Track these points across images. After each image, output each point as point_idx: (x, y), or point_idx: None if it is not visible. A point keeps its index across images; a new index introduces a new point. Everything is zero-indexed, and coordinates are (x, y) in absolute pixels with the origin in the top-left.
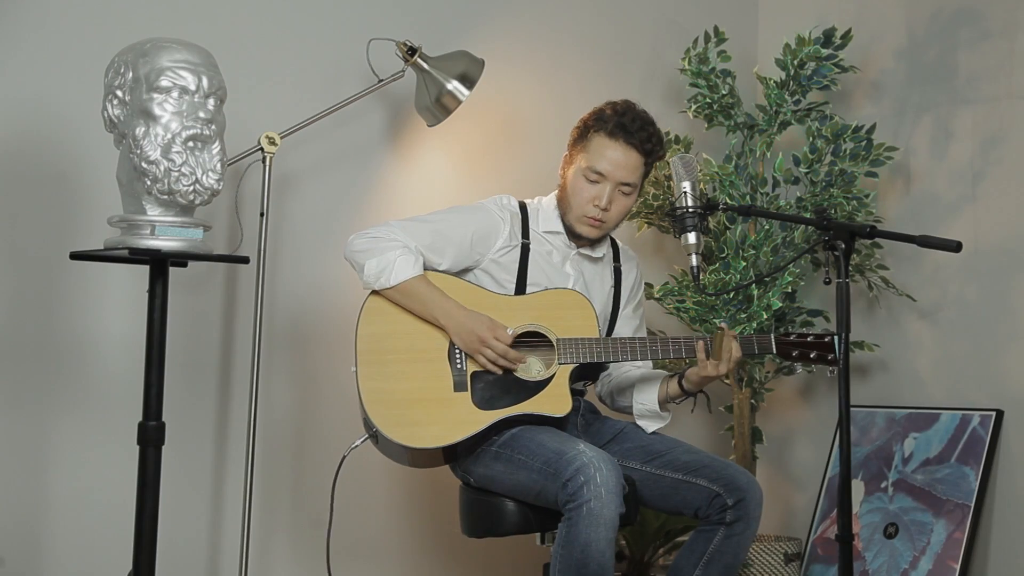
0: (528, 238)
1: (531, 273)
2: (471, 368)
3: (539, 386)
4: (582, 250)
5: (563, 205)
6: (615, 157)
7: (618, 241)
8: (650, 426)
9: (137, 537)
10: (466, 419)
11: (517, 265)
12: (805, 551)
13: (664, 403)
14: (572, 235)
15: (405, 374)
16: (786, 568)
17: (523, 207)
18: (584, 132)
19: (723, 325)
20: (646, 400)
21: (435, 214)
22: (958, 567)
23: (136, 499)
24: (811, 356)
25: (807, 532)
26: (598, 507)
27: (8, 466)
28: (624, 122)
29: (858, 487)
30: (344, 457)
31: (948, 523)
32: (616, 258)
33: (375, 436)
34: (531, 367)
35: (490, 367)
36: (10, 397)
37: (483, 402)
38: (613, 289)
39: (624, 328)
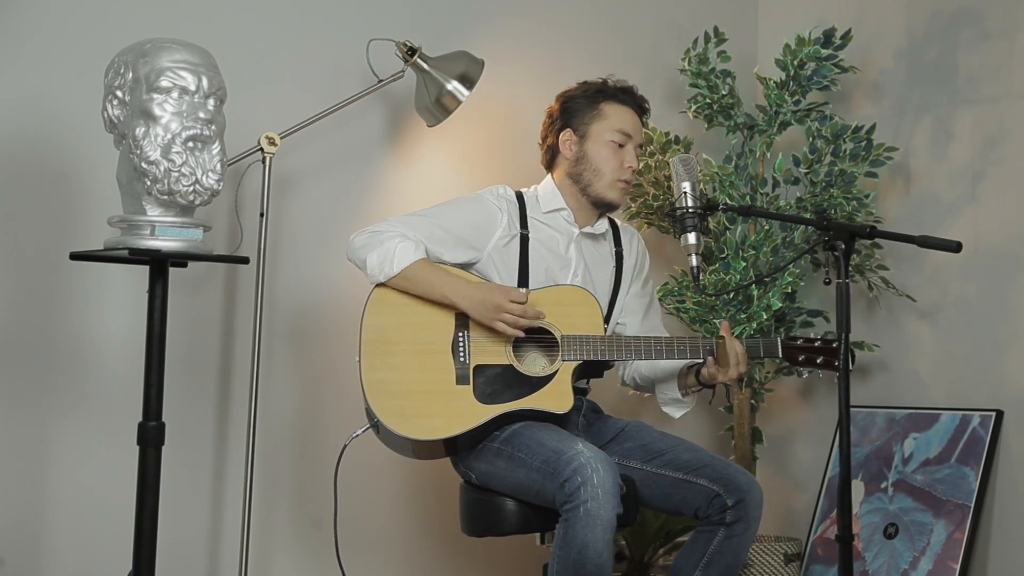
0: (527, 228)
1: (532, 263)
2: (474, 362)
3: (541, 382)
4: (584, 229)
5: (585, 178)
6: (632, 120)
7: (617, 220)
8: (676, 412)
9: (137, 537)
10: (467, 412)
11: (518, 256)
12: (805, 551)
13: (684, 391)
14: (602, 205)
15: (408, 366)
16: (786, 568)
17: (519, 196)
18: (591, 104)
19: (723, 332)
20: (668, 390)
21: (432, 208)
22: (958, 567)
23: (136, 499)
24: (817, 361)
25: (807, 532)
26: (595, 508)
27: (8, 466)
28: (623, 88)
29: (858, 487)
30: (345, 446)
31: (948, 523)
32: (617, 241)
33: (376, 427)
34: (535, 363)
35: (512, 332)
36: (10, 397)
37: (484, 396)
38: (615, 271)
39: (634, 306)
